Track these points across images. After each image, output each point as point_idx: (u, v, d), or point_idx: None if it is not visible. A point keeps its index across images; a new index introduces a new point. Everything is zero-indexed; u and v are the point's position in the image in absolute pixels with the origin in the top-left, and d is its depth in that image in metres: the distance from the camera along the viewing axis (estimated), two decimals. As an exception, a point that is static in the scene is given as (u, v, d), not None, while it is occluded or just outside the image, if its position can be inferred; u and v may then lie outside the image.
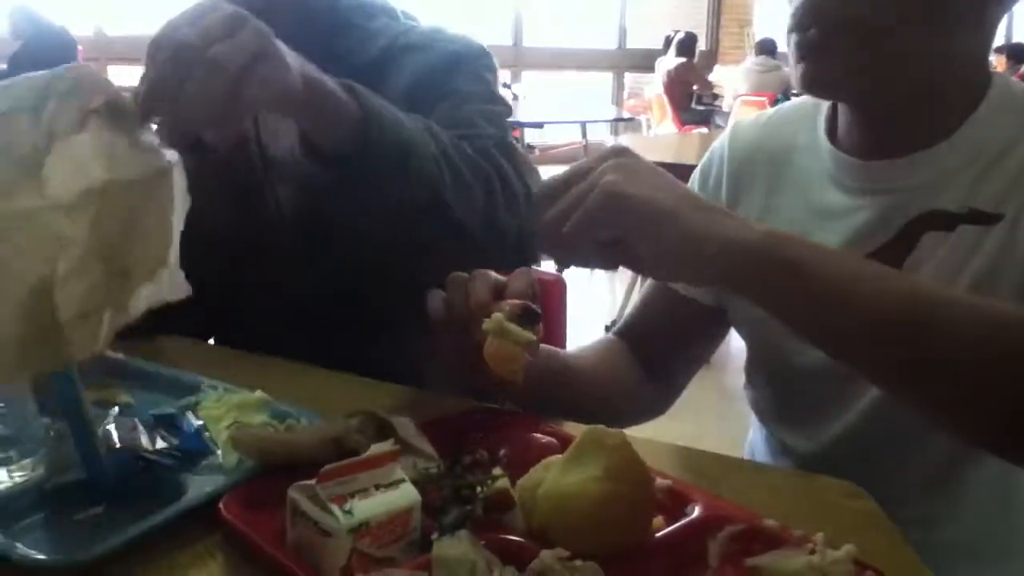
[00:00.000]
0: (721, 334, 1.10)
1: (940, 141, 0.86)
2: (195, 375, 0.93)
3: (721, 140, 1.07)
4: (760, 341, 1.02)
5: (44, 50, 5.34)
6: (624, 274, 4.60)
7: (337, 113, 0.86)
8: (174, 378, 0.93)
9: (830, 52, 0.83)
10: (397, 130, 0.91)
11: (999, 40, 9.85)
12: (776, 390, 1.02)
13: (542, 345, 0.92)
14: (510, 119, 1.18)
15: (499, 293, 0.82)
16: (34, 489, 0.72)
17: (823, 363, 0.78)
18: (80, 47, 5.85)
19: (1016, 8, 0.88)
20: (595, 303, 4.55)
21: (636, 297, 1.14)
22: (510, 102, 1.27)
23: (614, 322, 4.07)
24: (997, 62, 8.94)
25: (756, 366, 1.04)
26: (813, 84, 0.86)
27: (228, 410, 0.85)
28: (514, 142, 1.14)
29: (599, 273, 5.09)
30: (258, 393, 0.88)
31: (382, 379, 1.00)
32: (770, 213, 0.97)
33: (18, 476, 0.74)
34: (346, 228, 1.02)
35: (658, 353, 1.08)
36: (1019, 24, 11.38)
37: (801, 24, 0.84)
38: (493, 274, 0.84)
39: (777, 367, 0.99)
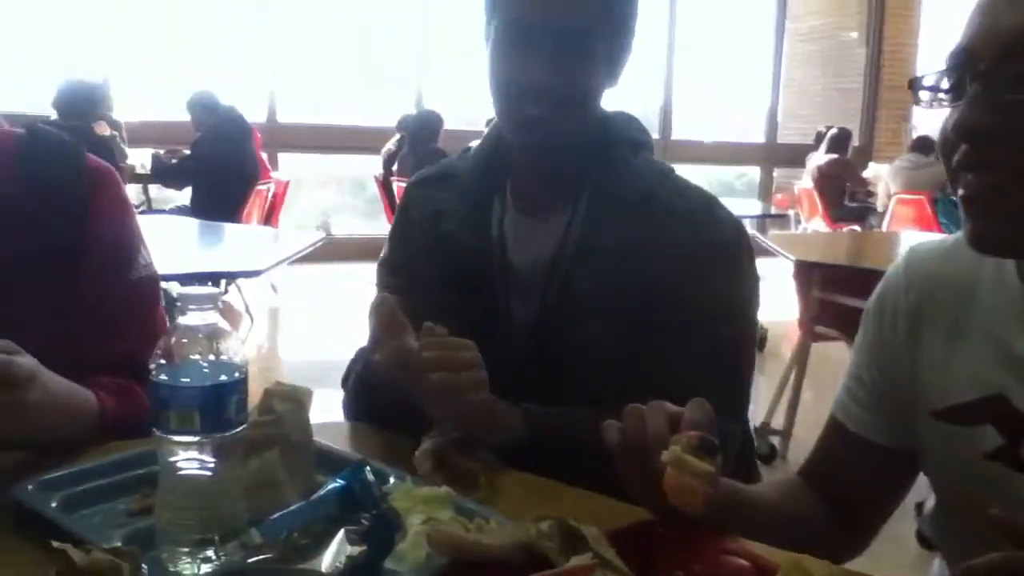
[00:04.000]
0: (909, 477, 1.03)
1: None
2: (383, 464, 0.96)
3: (896, 268, 1.00)
4: (951, 487, 0.96)
5: (224, 135, 5.72)
6: (770, 371, 4.47)
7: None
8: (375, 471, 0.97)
9: (1003, 209, 0.76)
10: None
11: None
12: (967, 539, 0.96)
13: (728, 482, 0.91)
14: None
15: (675, 425, 0.82)
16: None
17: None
18: (257, 134, 6.23)
19: None
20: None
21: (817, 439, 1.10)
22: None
23: (764, 424, 3.92)
24: None
25: (943, 507, 0.99)
26: (982, 243, 0.79)
27: (416, 503, 0.88)
28: None
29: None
30: (444, 489, 0.91)
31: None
32: (954, 360, 0.91)
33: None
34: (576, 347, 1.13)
35: (846, 496, 1.03)
36: None
37: (965, 172, 0.77)
38: (669, 405, 0.84)
39: (967, 512, 0.93)
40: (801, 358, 3.70)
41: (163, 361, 0.78)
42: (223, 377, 0.79)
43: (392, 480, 0.94)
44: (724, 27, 9.60)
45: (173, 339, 0.79)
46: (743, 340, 1.22)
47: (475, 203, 1.25)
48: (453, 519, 0.85)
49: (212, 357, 0.79)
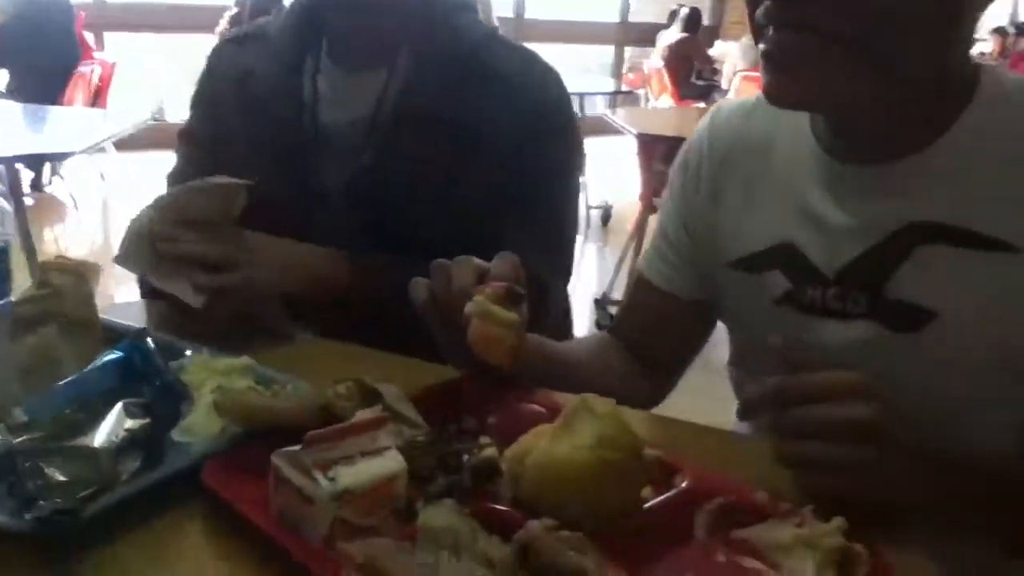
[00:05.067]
0: (708, 327, 1.08)
1: (927, 146, 0.80)
2: (178, 340, 0.92)
3: (701, 127, 1.01)
4: (745, 333, 1.00)
5: (40, 15, 5.26)
6: (614, 245, 4.58)
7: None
8: (157, 342, 0.92)
9: (806, 64, 0.74)
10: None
11: (1000, 20, 9.76)
12: (758, 377, 1.01)
13: (535, 336, 0.91)
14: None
15: (482, 277, 0.81)
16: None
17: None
18: (80, 12, 5.76)
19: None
20: (585, 275, 4.53)
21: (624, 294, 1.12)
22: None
23: (604, 295, 4.05)
24: (994, 42, 8.88)
25: (739, 354, 1.03)
26: (781, 96, 0.78)
27: (212, 375, 0.84)
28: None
29: (589, 246, 5.08)
30: (243, 358, 0.87)
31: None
32: (751, 209, 0.93)
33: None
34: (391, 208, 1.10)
35: (649, 348, 1.07)
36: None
37: (761, 26, 0.76)
38: (475, 259, 0.83)
39: (760, 357, 0.97)
40: (640, 231, 3.78)
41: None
42: (-25, 247, 0.72)
43: (188, 353, 0.89)
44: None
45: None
46: (566, 200, 1.21)
47: (286, 63, 1.18)
48: (248, 388, 0.82)
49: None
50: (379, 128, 1.14)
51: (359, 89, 1.15)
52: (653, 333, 1.06)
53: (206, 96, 1.26)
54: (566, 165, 1.20)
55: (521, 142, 1.13)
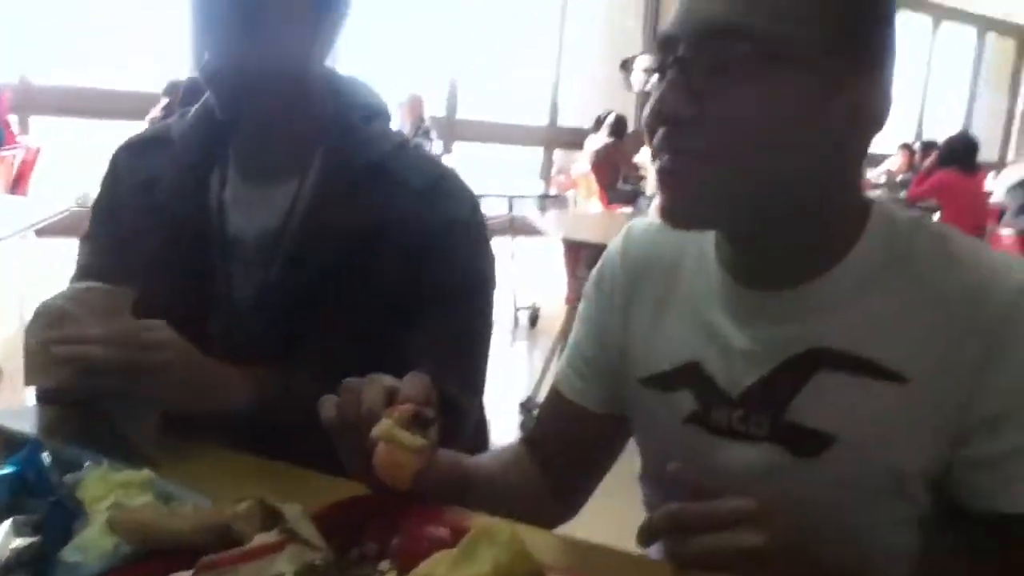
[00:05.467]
0: (618, 442, 1.08)
1: (821, 274, 0.83)
2: (78, 450, 0.89)
3: (615, 244, 1.04)
4: (654, 450, 1.01)
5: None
6: (542, 347, 4.60)
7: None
8: (55, 452, 0.89)
9: (689, 184, 0.80)
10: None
11: (907, 135, 10.24)
12: (666, 493, 1.02)
13: (449, 453, 0.91)
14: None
15: (392, 398, 0.80)
16: None
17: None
18: (4, 94, 5.71)
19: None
20: (512, 377, 4.54)
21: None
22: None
23: (529, 398, 4.04)
24: (901, 157, 9.33)
25: (648, 470, 1.04)
26: (671, 216, 0.83)
27: (110, 489, 0.81)
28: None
29: (518, 345, 5.09)
30: (144, 472, 0.85)
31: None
32: (657, 329, 0.96)
33: None
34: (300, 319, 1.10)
35: (560, 461, 1.06)
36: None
37: (660, 152, 0.81)
38: (388, 378, 0.83)
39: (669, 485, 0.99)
40: (565, 334, 3.81)
41: None
42: None
43: (86, 464, 0.86)
44: (510, 7, 9.71)
45: None
46: (479, 316, 1.21)
47: (191, 170, 1.16)
48: (147, 504, 0.80)
49: None
50: (287, 241, 1.13)
51: (267, 202, 1.14)
52: (564, 446, 1.07)
53: (109, 202, 1.23)
54: (477, 280, 1.20)
55: (430, 255, 1.13)
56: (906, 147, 9.46)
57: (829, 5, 0.77)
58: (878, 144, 0.87)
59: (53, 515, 0.72)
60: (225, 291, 1.14)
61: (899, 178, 8.82)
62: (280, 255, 1.13)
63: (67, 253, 1.32)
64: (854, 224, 0.84)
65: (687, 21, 0.80)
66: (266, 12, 1.06)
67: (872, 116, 0.80)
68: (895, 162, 9.33)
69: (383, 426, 0.77)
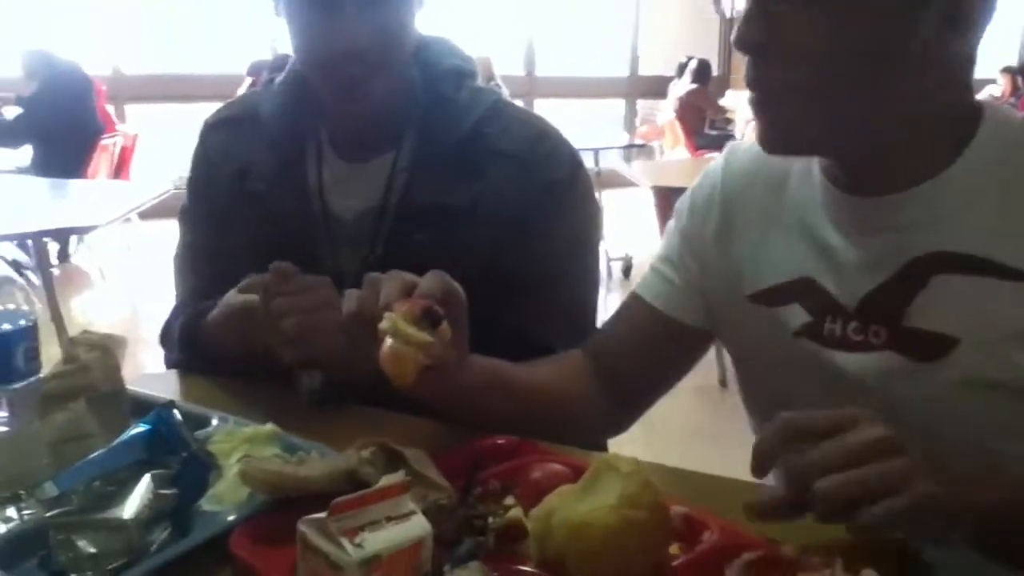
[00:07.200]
0: (693, 357, 1.07)
1: (932, 178, 0.82)
2: (205, 409, 0.93)
3: (715, 164, 1.03)
4: (759, 365, 1.00)
5: (62, 89, 5.40)
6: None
7: None
8: (184, 412, 0.93)
9: (779, 114, 0.82)
10: None
11: (1010, 59, 9.72)
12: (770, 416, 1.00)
13: (483, 358, 0.92)
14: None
15: (411, 293, 0.80)
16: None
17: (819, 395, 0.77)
18: (99, 86, 5.90)
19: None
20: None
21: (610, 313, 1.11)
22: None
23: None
24: (1004, 81, 8.86)
25: (749, 388, 1.04)
26: (766, 145, 0.85)
27: (238, 444, 0.85)
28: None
29: (612, 297, 5.06)
30: (269, 426, 0.88)
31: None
32: (767, 244, 0.94)
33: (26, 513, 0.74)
34: None
35: (628, 372, 1.05)
36: (1032, 42, 11.32)
37: (749, 84, 0.82)
38: (406, 275, 0.83)
39: (773, 388, 0.97)
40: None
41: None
42: (6, 326, 0.73)
43: (215, 422, 0.90)
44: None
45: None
46: (584, 273, 1.20)
47: (285, 154, 1.17)
48: (275, 455, 0.83)
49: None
50: (389, 218, 1.13)
51: (365, 179, 1.15)
52: (638, 356, 1.05)
53: (202, 182, 1.24)
54: (582, 238, 1.19)
55: (534, 220, 1.12)
56: (1009, 71, 9.00)
57: None
58: (981, 69, 0.85)
59: (188, 469, 0.75)
60: (333, 270, 1.14)
61: (1004, 104, 8.38)
62: (382, 232, 1.13)
63: (170, 233, 1.35)
64: (965, 126, 0.83)
65: None
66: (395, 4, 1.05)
67: (969, 19, 0.78)
68: (998, 88, 8.89)
69: (388, 319, 0.77)
